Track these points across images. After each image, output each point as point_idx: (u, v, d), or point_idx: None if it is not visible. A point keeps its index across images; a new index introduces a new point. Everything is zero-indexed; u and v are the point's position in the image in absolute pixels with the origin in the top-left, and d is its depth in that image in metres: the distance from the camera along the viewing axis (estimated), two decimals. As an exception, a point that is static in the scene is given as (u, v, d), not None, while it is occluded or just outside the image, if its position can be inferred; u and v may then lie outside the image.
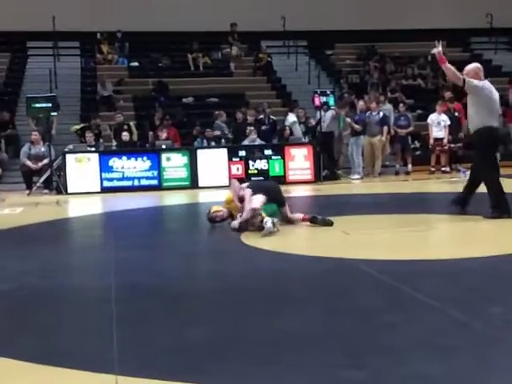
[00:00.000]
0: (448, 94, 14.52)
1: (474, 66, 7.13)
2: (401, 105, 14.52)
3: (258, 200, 6.49)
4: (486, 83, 7.04)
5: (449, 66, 6.89)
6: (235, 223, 6.50)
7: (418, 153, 14.64)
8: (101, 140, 13.60)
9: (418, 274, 4.46)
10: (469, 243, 5.80)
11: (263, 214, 6.37)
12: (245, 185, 6.97)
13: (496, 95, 7.07)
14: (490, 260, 4.87)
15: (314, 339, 3.21)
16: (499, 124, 7.39)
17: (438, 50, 6.91)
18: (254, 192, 6.60)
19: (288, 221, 6.88)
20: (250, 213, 6.38)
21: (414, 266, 4.73)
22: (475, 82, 6.89)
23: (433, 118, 13.91)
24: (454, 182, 12.04)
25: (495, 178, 6.92)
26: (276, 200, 6.83)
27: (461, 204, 7.15)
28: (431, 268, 4.69)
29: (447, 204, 7.35)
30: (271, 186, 7.08)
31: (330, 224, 6.62)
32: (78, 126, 14.25)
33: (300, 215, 6.89)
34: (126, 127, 13.81)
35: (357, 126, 13.29)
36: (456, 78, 6.94)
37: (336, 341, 3.17)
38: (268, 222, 6.20)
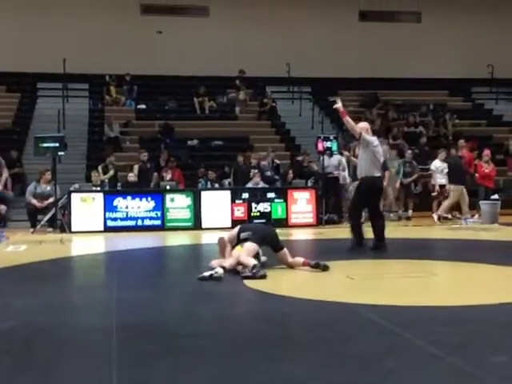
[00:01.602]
0: (461, 142, 14.72)
1: (365, 124, 8.51)
2: (409, 152, 14.67)
3: (249, 251, 6.41)
4: (376, 139, 8.34)
5: (349, 119, 8.07)
6: (215, 263, 6.40)
7: (418, 199, 14.75)
8: (106, 180, 13.75)
9: (420, 321, 4.44)
10: (471, 290, 5.76)
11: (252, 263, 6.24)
12: (237, 229, 6.84)
13: (380, 150, 8.45)
14: (492, 308, 4.84)
15: None
16: (381, 174, 8.60)
17: (338, 105, 8.10)
18: (249, 238, 6.52)
19: (288, 265, 6.78)
20: (236, 264, 6.34)
21: (416, 313, 4.71)
22: (368, 137, 8.15)
23: (437, 164, 14.06)
24: (455, 229, 12.11)
25: (359, 223, 8.35)
26: (271, 245, 6.75)
27: (360, 245, 8.21)
28: (433, 315, 4.66)
29: (448, 250, 7.41)
30: (267, 231, 6.94)
31: (327, 269, 6.57)
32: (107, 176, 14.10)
33: (301, 259, 6.79)
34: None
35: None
36: (354, 130, 8.10)
37: None
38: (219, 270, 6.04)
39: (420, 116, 18.35)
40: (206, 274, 6.05)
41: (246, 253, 6.43)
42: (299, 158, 14.95)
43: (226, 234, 6.98)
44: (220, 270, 6.08)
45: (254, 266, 6.16)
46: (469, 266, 6.97)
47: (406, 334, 4.04)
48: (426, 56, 20.21)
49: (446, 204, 13.24)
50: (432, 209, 13.90)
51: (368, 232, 8.48)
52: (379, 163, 8.30)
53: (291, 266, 6.77)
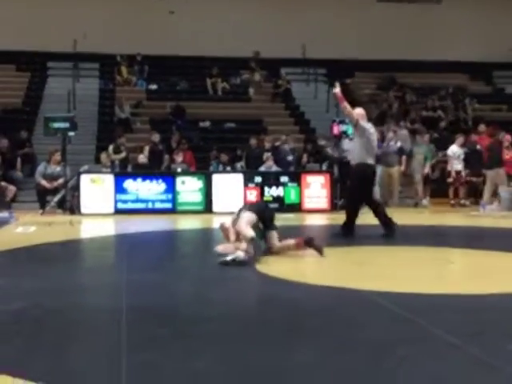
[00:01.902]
0: (482, 127, 14.40)
1: (361, 110, 8.23)
2: (426, 136, 14.34)
3: (248, 220, 6.20)
4: (371, 127, 8.23)
5: (347, 105, 7.89)
6: (221, 248, 6.32)
7: (435, 185, 14.45)
8: (116, 162, 13.56)
9: (435, 308, 4.35)
10: (488, 278, 5.65)
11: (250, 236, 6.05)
12: (237, 210, 6.66)
13: (375, 137, 8.25)
14: (509, 296, 4.72)
15: (327, 372, 3.09)
16: (374, 161, 8.36)
17: (337, 90, 8.02)
18: (245, 209, 6.40)
19: (273, 248, 6.45)
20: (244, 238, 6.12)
21: (431, 300, 4.61)
22: (365, 124, 8.01)
23: (454, 150, 13.73)
24: (472, 216, 11.86)
25: (357, 208, 8.06)
26: (266, 220, 6.45)
27: (349, 233, 8.01)
28: (449, 302, 4.57)
29: (465, 238, 7.22)
30: (266, 207, 6.78)
31: (322, 252, 6.29)
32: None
33: (291, 240, 6.44)
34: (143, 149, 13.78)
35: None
36: (351, 117, 7.96)
37: (350, 374, 3.05)
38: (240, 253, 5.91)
39: (439, 100, 17.97)
40: (229, 258, 5.89)
41: (244, 221, 6.18)
42: (322, 143, 14.49)
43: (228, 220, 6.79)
44: (241, 254, 5.92)
45: (252, 239, 5.99)
46: (486, 253, 6.82)
47: (421, 322, 3.95)
48: (446, 38, 19.79)
49: (486, 192, 12.82)
50: (448, 195, 13.60)
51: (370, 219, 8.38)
52: (373, 151, 8.18)
53: (276, 251, 6.44)
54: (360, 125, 7.93)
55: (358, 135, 7.99)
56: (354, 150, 8.24)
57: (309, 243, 6.36)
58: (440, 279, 5.69)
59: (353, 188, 8.24)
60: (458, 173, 13.58)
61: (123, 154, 13.73)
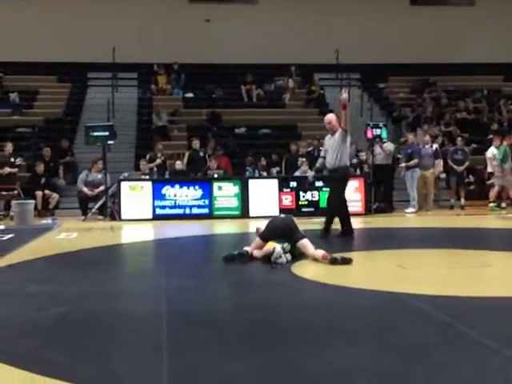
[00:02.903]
0: None
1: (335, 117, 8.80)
2: (459, 139, 14.29)
3: (255, 246, 6.70)
4: None
5: (347, 112, 8.48)
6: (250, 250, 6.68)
7: (472, 187, 14.37)
8: (154, 168, 13.86)
9: (472, 312, 4.33)
10: None
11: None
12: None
13: None
14: None
15: (364, 374, 3.13)
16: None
17: (345, 96, 8.50)
18: (262, 239, 6.69)
19: (310, 257, 6.54)
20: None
21: (468, 303, 4.60)
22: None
23: (494, 151, 13.65)
24: (508, 218, 11.75)
25: (347, 212, 8.67)
26: (287, 237, 6.59)
27: (325, 235, 8.43)
28: (486, 305, 4.55)
29: (503, 240, 7.18)
30: (281, 225, 6.80)
31: (350, 262, 6.31)
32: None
33: (320, 252, 6.48)
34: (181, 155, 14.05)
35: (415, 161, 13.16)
36: (345, 123, 8.46)
37: (387, 378, 3.09)
38: (277, 247, 6.36)
39: (473, 102, 17.81)
40: (236, 252, 6.44)
41: (252, 247, 6.67)
42: (362, 154, 14.43)
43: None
44: (246, 248, 6.46)
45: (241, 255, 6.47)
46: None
47: (459, 325, 3.93)
48: (480, 40, 19.60)
49: None
50: (488, 197, 13.51)
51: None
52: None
53: (314, 258, 6.52)
54: (347, 132, 8.52)
55: (342, 140, 8.50)
56: (335, 154, 8.55)
57: (333, 263, 6.29)
58: (479, 282, 5.66)
59: (340, 190, 8.66)
60: (491, 174, 13.50)
61: (158, 161, 14.03)
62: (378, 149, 13.28)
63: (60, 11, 19.15)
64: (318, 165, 9.42)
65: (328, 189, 9.41)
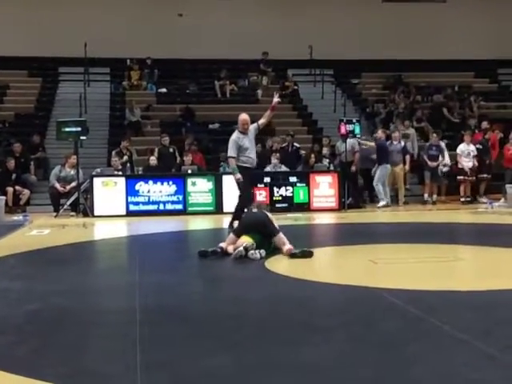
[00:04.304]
0: (485, 124, 14.47)
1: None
2: (434, 135, 14.43)
3: (229, 241, 6.76)
4: None
5: (271, 115, 9.35)
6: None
7: (445, 182, 14.53)
8: (128, 164, 13.74)
9: (444, 305, 4.39)
10: (497, 275, 5.68)
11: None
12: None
13: None
14: None
15: (339, 369, 3.16)
16: None
17: (277, 99, 9.41)
18: (236, 234, 6.75)
19: (283, 252, 6.58)
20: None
21: (440, 297, 4.65)
22: None
23: (462, 148, 13.86)
24: (480, 213, 11.94)
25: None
26: (260, 232, 6.64)
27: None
28: (458, 299, 4.62)
29: (474, 235, 7.29)
30: (253, 220, 6.85)
31: (310, 255, 6.38)
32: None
33: (287, 247, 6.54)
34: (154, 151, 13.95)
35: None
36: (263, 123, 9.32)
37: (361, 371, 3.12)
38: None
39: (445, 98, 18.01)
40: (209, 249, 6.49)
41: (227, 243, 6.73)
42: (338, 144, 14.45)
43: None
44: (220, 244, 6.55)
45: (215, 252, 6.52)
46: (494, 250, 6.89)
47: (431, 319, 3.98)
48: (451, 37, 19.80)
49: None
50: (459, 193, 13.69)
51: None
52: None
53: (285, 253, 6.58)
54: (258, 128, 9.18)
55: (254, 139, 9.12)
56: (254, 151, 9.13)
57: (292, 256, 6.38)
58: (450, 276, 5.72)
59: (250, 188, 9.20)
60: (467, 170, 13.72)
61: (125, 158, 13.84)
62: (356, 145, 13.38)
63: (31, 5, 18.83)
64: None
65: (249, 184, 9.39)
